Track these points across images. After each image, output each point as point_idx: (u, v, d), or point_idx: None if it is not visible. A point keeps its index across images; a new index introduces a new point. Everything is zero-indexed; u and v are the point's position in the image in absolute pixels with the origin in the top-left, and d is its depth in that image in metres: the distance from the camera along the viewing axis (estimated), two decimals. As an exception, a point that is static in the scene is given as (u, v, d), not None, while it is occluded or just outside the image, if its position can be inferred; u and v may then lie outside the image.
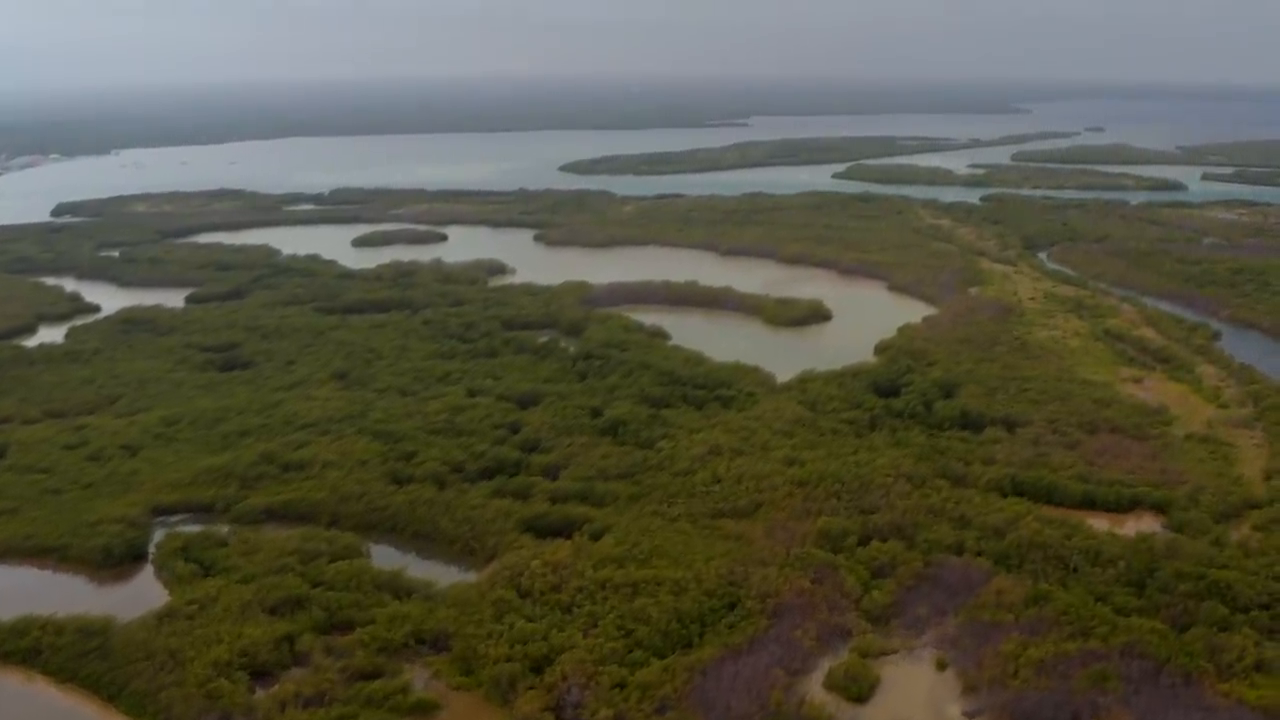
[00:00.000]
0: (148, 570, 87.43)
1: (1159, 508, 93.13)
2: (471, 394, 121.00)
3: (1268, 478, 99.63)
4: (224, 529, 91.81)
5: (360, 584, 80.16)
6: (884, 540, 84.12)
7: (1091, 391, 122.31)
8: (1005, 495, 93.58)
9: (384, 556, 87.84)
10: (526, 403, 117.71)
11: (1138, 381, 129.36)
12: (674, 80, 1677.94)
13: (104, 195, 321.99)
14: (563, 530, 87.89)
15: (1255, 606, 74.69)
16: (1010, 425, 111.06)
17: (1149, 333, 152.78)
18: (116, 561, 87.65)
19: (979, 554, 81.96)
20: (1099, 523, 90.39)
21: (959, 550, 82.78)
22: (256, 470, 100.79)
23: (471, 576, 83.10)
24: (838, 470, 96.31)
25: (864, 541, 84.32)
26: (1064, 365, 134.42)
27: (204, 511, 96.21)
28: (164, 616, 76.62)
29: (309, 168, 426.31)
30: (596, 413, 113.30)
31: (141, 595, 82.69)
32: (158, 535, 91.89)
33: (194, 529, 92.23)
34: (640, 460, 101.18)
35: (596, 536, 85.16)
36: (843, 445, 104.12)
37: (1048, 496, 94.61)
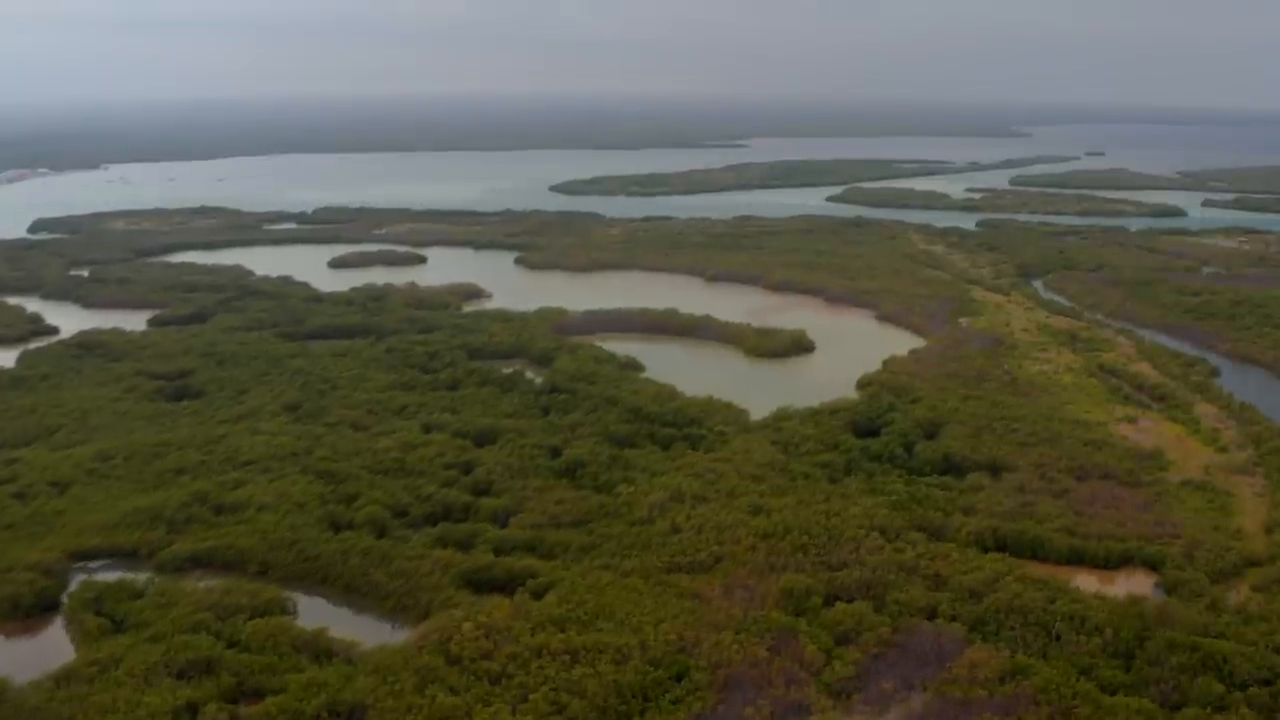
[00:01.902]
0: (59, 623, 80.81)
1: (1151, 565, 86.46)
2: (427, 429, 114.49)
3: (1268, 531, 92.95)
4: (143, 578, 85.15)
5: (279, 645, 73.31)
6: (851, 601, 77.35)
7: (1083, 433, 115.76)
8: (986, 550, 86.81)
9: (312, 611, 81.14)
10: (484, 440, 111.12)
11: (1132, 421, 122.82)
12: (675, 100, 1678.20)
13: (84, 211, 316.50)
14: (505, 585, 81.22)
15: (1254, 682, 67.83)
16: (995, 470, 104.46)
17: (1145, 368, 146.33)
18: (25, 613, 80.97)
19: (953, 619, 75.16)
20: (1087, 581, 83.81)
21: (932, 614, 76.01)
22: (187, 512, 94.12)
23: (403, 636, 76.36)
24: (806, 520, 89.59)
25: (829, 602, 77.57)
26: (1055, 403, 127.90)
27: (127, 557, 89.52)
28: (61, 679, 69.89)
29: (297, 185, 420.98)
30: (556, 452, 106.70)
31: (48, 652, 76.03)
32: (74, 583, 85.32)
33: (113, 577, 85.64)
34: (597, 506, 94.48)
35: (539, 594, 78.45)
36: (814, 492, 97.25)
37: (1032, 551, 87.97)
